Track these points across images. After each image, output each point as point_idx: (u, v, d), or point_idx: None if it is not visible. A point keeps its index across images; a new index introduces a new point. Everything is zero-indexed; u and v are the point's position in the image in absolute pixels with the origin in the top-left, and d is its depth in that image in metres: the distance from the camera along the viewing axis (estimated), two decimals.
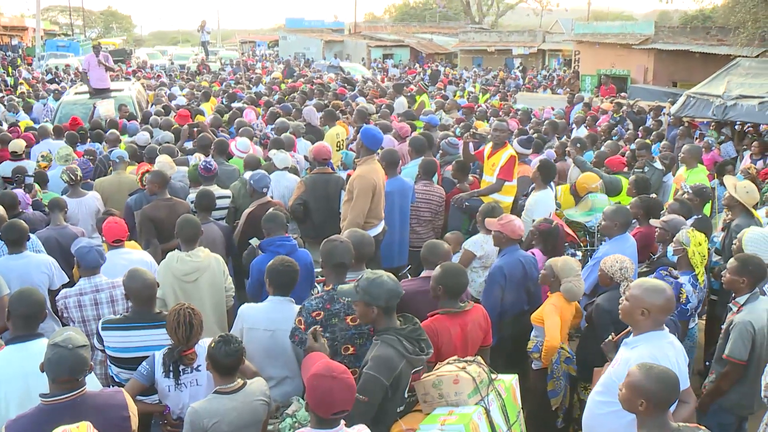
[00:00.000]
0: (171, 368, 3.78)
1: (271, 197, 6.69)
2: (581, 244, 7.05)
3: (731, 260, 4.58)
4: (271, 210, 5.49)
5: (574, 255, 6.09)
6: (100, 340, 4.13)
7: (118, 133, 9.56)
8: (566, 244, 6.20)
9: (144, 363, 3.90)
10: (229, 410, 3.43)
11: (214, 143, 8.03)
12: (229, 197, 6.90)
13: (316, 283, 5.37)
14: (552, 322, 4.56)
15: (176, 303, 4.69)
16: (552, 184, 7.22)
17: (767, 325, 4.34)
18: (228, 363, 3.48)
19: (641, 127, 12.86)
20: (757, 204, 6.61)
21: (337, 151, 9.48)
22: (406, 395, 3.53)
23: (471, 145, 7.66)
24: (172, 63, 35.63)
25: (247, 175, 6.99)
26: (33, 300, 3.78)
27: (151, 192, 6.32)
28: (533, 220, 6.36)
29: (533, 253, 5.51)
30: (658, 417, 2.91)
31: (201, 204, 6.02)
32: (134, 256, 5.32)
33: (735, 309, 4.46)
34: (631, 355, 3.44)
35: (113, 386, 4.11)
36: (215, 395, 3.49)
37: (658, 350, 3.42)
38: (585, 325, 5.07)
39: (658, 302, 3.48)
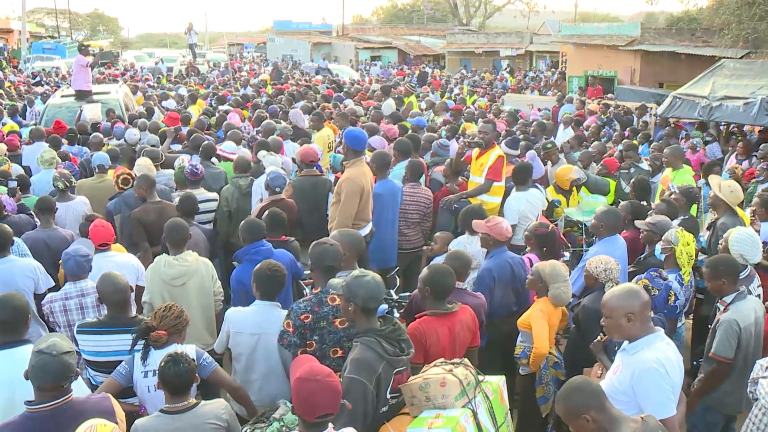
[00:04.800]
0: (141, 348, 3.80)
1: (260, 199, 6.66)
2: (569, 245, 7.09)
3: (704, 269, 4.58)
4: (248, 218, 5.40)
5: (561, 256, 6.12)
6: (77, 343, 4.11)
7: (101, 136, 9.52)
8: None
9: (123, 363, 3.88)
10: (170, 430, 3.31)
11: (201, 146, 8.00)
12: (215, 200, 6.88)
13: (304, 285, 5.36)
14: (540, 329, 4.54)
15: None
16: (538, 185, 7.26)
17: (754, 323, 4.36)
18: (177, 383, 3.37)
19: (628, 128, 12.94)
20: (742, 203, 6.67)
21: (327, 152, 9.48)
22: (388, 396, 3.52)
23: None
24: (158, 63, 35.39)
25: (239, 178, 7.01)
26: (12, 306, 3.73)
27: (140, 196, 6.31)
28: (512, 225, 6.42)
29: (529, 259, 5.52)
30: (605, 413, 2.86)
31: (184, 208, 5.96)
32: (120, 258, 5.32)
33: (722, 308, 4.48)
34: (634, 362, 3.42)
35: (91, 389, 4.08)
36: (159, 413, 3.38)
37: (660, 353, 3.41)
38: (573, 327, 5.09)
39: (637, 303, 3.45)
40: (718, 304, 4.59)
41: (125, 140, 9.30)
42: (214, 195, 6.92)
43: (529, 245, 5.79)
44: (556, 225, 6.91)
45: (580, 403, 2.85)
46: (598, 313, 4.52)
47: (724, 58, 14.92)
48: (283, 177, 6.53)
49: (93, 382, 4.16)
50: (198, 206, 6.16)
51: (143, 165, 7.03)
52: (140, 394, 3.88)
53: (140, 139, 9.51)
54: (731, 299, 4.42)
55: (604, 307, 3.54)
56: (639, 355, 3.42)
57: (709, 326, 4.72)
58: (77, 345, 4.12)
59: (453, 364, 3.57)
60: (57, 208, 6.14)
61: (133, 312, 4.45)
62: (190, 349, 3.93)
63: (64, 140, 9.77)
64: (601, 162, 8.61)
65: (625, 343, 3.57)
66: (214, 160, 8.04)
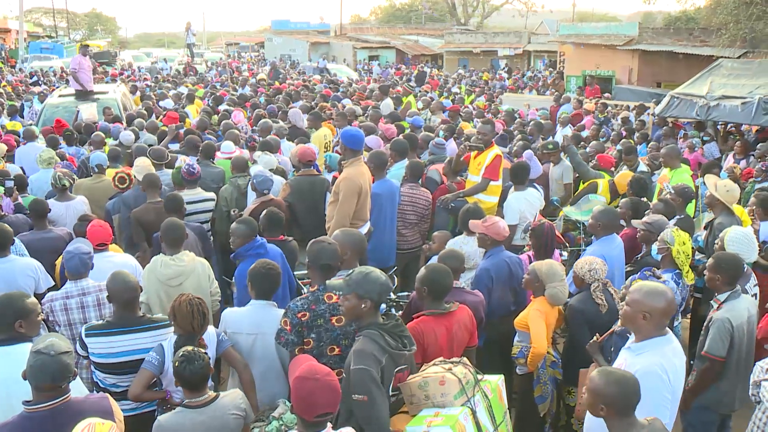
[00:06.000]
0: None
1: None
2: (567, 245, 7.09)
3: (710, 260, 4.61)
4: (239, 219, 5.40)
5: (560, 255, 6.12)
6: (84, 346, 4.10)
7: (102, 135, 9.50)
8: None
9: (152, 353, 3.91)
10: (196, 425, 3.38)
11: (201, 146, 7.99)
12: (212, 200, 6.87)
13: (302, 284, 5.36)
14: (537, 329, 4.53)
15: (161, 307, 4.69)
16: (536, 185, 7.27)
17: (747, 322, 4.37)
18: (194, 380, 3.45)
19: (625, 127, 12.95)
20: (739, 202, 6.68)
21: (324, 152, 9.48)
22: (390, 392, 3.52)
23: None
24: (155, 63, 35.34)
25: (237, 178, 7.03)
26: (10, 304, 3.70)
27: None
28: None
29: (529, 257, 5.52)
30: (623, 419, 2.90)
31: (168, 207, 5.87)
32: (118, 259, 5.31)
33: (715, 306, 4.49)
34: (638, 363, 3.41)
35: (98, 391, 4.08)
36: (182, 409, 3.45)
37: (665, 359, 3.40)
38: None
39: (659, 305, 3.42)
40: (712, 302, 4.59)
41: (120, 142, 9.27)
42: (212, 195, 6.91)
43: (529, 244, 5.79)
44: (554, 223, 6.91)
45: (615, 398, 2.87)
46: (584, 313, 4.59)
47: (722, 57, 14.93)
48: (270, 179, 6.55)
49: (102, 385, 4.15)
50: (184, 205, 6.05)
51: (142, 165, 7.02)
52: (169, 381, 3.89)
53: (135, 140, 9.48)
54: (725, 297, 4.43)
55: (629, 294, 3.55)
56: (644, 356, 3.42)
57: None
58: (79, 345, 4.11)
59: (452, 362, 3.57)
60: (50, 209, 6.10)
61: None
62: (210, 330, 4.04)
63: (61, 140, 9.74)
64: (595, 157, 8.65)
65: (631, 341, 3.57)
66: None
